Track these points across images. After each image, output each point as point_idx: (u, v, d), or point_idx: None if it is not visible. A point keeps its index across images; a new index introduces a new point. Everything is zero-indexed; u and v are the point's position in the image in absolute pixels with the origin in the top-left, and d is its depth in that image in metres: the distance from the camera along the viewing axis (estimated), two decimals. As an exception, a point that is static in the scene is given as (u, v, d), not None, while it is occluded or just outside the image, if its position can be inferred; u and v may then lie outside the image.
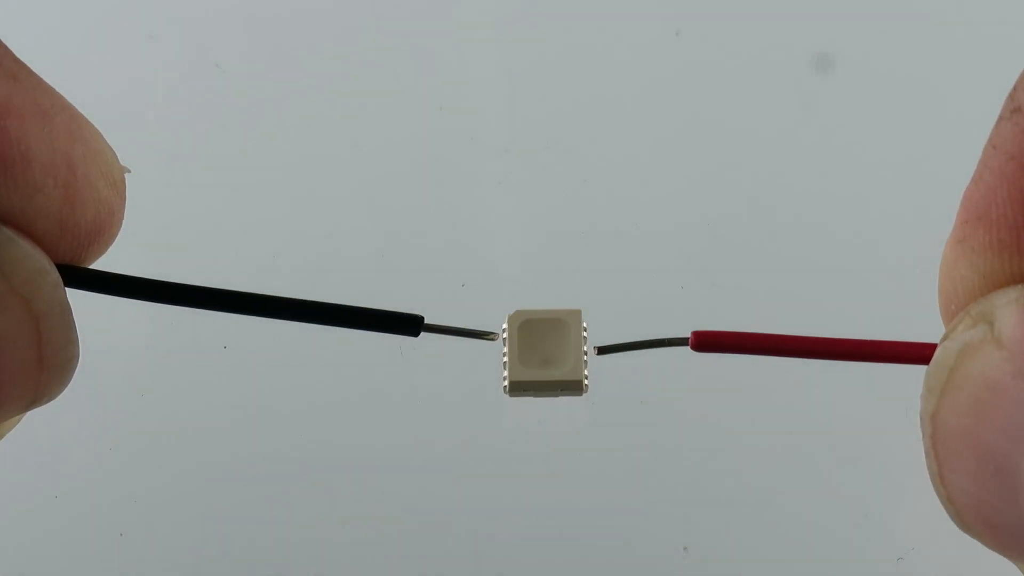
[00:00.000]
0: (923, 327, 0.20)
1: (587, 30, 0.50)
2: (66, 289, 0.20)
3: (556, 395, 0.25)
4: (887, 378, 0.43)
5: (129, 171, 0.22)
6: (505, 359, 0.25)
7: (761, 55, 0.49)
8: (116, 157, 0.21)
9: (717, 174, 0.48)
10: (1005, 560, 0.18)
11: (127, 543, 0.42)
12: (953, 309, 0.19)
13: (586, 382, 0.25)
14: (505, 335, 0.25)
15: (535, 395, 0.25)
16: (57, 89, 0.20)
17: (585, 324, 0.25)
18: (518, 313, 0.25)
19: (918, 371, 0.19)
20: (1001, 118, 0.18)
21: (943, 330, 0.18)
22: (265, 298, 0.23)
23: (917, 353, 0.20)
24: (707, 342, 0.22)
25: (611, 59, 0.50)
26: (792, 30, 0.49)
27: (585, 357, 0.25)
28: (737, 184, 0.48)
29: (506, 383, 0.25)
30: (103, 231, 0.21)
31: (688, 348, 0.22)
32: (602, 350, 0.24)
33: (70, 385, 0.20)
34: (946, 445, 0.18)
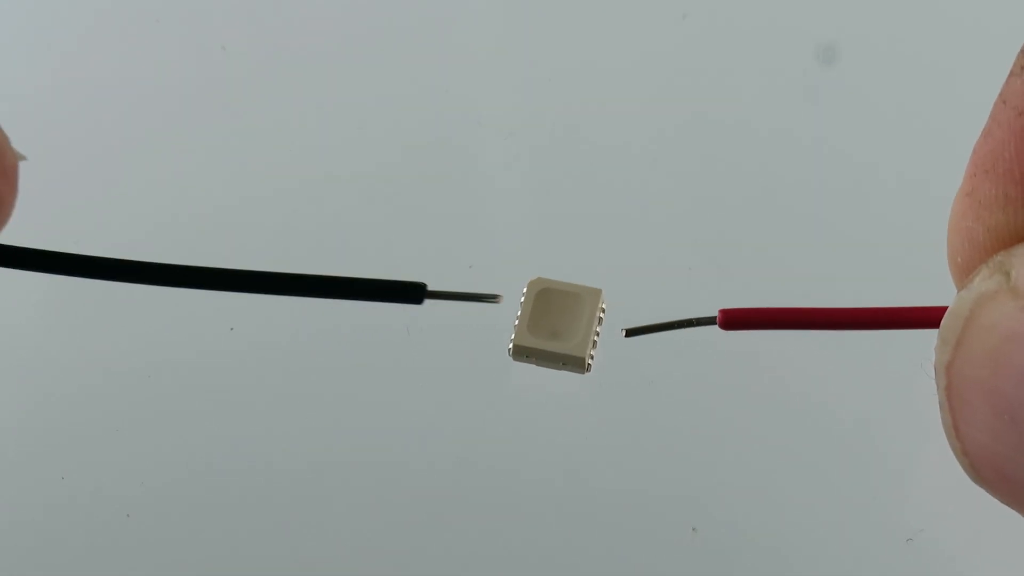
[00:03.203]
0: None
1: (593, 11, 0.49)
2: None
3: (558, 368, 0.25)
4: (892, 359, 0.43)
5: (24, 158, 0.21)
6: (516, 323, 0.25)
7: (770, 36, 0.49)
8: (8, 143, 0.21)
9: (723, 158, 0.48)
10: (1009, 537, 0.18)
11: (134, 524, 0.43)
12: (960, 262, 0.19)
13: (590, 361, 0.25)
14: (522, 299, 0.25)
15: (537, 363, 0.25)
16: (65, 72, 0.19)
17: (604, 306, 0.25)
18: (539, 280, 0.25)
19: (921, 352, 0.19)
20: (1012, 74, 0.18)
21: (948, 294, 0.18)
22: (266, 275, 0.23)
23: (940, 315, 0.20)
24: (734, 320, 0.22)
25: (617, 41, 0.50)
26: (801, 12, 0.49)
27: (596, 338, 0.25)
28: (743, 168, 0.48)
29: (511, 346, 0.25)
30: None
31: (716, 327, 0.22)
32: (630, 332, 0.24)
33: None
34: (961, 396, 0.17)
